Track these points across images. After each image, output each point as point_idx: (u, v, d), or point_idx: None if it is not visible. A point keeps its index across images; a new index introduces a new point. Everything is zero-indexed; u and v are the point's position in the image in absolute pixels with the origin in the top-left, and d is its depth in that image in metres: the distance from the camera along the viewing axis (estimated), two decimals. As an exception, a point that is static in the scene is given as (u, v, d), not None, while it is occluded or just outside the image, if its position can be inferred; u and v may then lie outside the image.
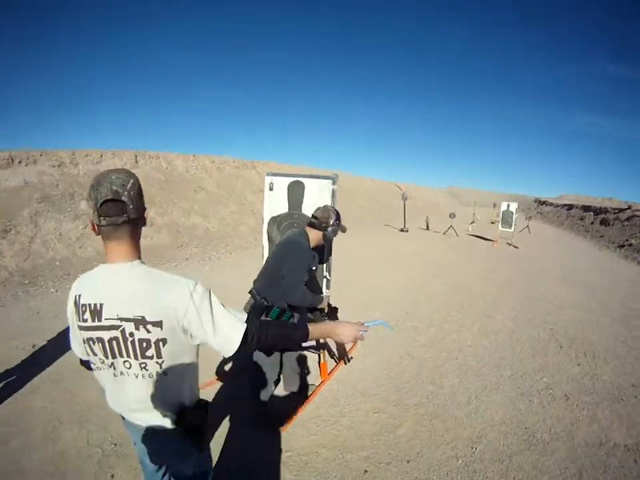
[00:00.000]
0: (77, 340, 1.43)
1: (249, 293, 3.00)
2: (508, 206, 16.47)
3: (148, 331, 1.24)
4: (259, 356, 3.09)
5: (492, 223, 22.10)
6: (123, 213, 1.22)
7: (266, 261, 3.17)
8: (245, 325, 1.32)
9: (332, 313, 3.69)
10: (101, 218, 1.21)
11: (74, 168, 10.42)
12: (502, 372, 4.25)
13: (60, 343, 4.26)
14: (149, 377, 1.32)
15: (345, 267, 9.07)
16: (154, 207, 11.15)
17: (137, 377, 1.32)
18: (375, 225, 19.10)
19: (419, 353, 4.61)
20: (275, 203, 3.98)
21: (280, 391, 3.63)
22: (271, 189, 4.03)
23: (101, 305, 1.26)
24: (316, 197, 3.67)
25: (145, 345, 1.26)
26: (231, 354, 1.33)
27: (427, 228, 18.82)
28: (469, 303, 6.71)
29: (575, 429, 3.38)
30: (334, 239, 3.18)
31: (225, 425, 3.21)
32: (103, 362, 1.33)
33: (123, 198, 1.22)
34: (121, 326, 1.25)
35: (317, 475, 2.71)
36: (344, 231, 3.23)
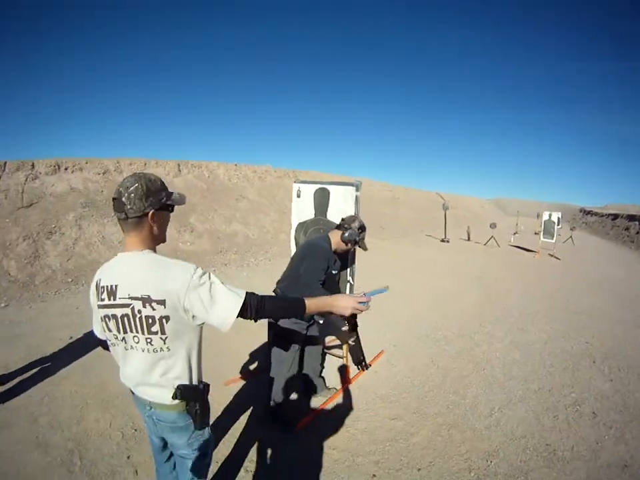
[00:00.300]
0: (97, 321, 1.63)
1: (273, 292, 3.10)
2: (550, 215, 15.71)
3: (153, 309, 1.42)
4: (274, 353, 3.16)
5: (535, 233, 21.24)
6: (121, 211, 1.45)
7: (289, 262, 3.26)
8: (243, 299, 1.45)
9: (352, 318, 3.66)
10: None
11: (118, 175, 11.03)
12: (529, 385, 4.10)
13: (95, 336, 4.47)
14: (154, 351, 1.49)
15: (381, 276, 9.08)
16: (195, 214, 11.59)
17: (143, 351, 1.50)
18: (417, 235, 18.93)
19: (445, 363, 4.53)
20: (302, 209, 4.10)
21: (299, 391, 3.69)
22: (298, 196, 4.17)
23: (116, 285, 1.47)
24: (340, 203, 3.74)
25: (150, 321, 1.44)
26: (229, 326, 1.45)
27: (468, 238, 18.40)
28: (504, 315, 6.53)
29: (600, 448, 3.18)
30: (361, 247, 3.31)
31: (242, 421, 3.30)
32: (116, 337, 1.53)
33: (123, 199, 1.44)
34: (131, 304, 1.44)
35: (324, 475, 2.73)
36: (365, 248, 3.35)
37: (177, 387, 1.53)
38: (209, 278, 1.46)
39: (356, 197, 3.56)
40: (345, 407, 3.55)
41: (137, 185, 1.45)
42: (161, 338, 1.46)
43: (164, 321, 1.43)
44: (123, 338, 1.51)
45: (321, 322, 4.08)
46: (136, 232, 1.49)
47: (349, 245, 3.11)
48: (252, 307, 1.48)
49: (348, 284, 3.80)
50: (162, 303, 1.41)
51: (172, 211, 1.62)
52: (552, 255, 14.76)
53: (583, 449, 3.14)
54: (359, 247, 3.28)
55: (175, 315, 1.43)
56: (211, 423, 3.00)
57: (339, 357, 4.23)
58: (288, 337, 3.04)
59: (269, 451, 2.94)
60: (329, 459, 2.88)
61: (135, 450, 2.91)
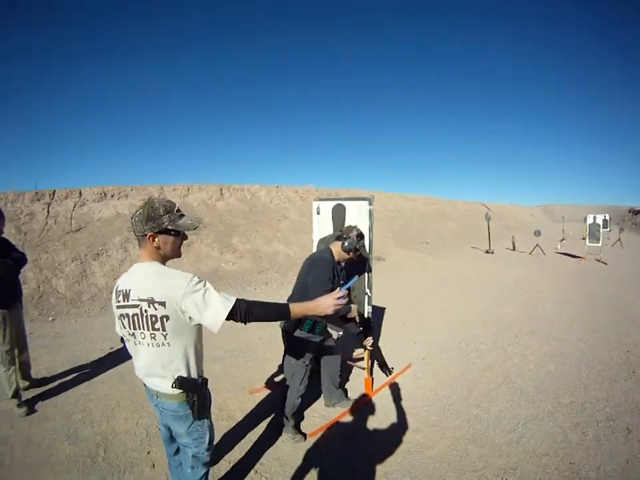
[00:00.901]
0: (116, 321, 1.95)
1: None
2: (594, 218, 14.88)
3: (155, 309, 1.72)
4: (285, 365, 3.31)
5: (582, 238, 20.01)
6: (132, 231, 1.87)
7: (297, 277, 3.41)
8: (232, 303, 1.73)
9: (365, 323, 3.76)
10: None
11: (162, 201, 11.73)
12: (560, 399, 3.91)
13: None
14: (157, 345, 1.79)
15: (417, 292, 9.10)
16: (237, 235, 12.05)
17: (148, 345, 1.80)
18: (462, 248, 18.52)
19: (474, 376, 4.43)
20: (322, 226, 4.30)
21: (317, 401, 3.83)
22: (318, 213, 4.39)
23: (129, 290, 1.80)
24: (356, 217, 3.91)
25: (153, 319, 1.74)
26: (218, 327, 1.71)
27: (514, 248, 17.74)
28: (541, 325, 6.27)
29: (630, 467, 2.95)
30: (362, 254, 3.53)
31: (262, 427, 3.46)
32: (129, 333, 1.85)
33: (132, 221, 1.84)
34: (140, 305, 1.75)
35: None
36: (366, 255, 3.62)
37: (177, 377, 1.81)
38: (204, 285, 1.74)
39: (369, 210, 3.70)
40: (363, 419, 3.58)
41: (141, 210, 1.81)
42: (162, 334, 1.75)
43: (164, 319, 1.72)
44: (133, 334, 1.82)
45: (341, 333, 4.19)
46: (143, 248, 1.85)
47: (350, 253, 3.23)
48: (241, 311, 1.74)
49: (366, 296, 3.91)
50: (162, 304, 1.70)
51: (177, 234, 1.88)
52: (599, 260, 14.00)
53: (610, 469, 2.93)
54: (360, 253, 3.42)
55: (173, 315, 1.72)
56: (232, 427, 3.24)
57: (362, 368, 4.29)
58: (299, 350, 3.17)
59: (280, 457, 3.04)
60: (337, 467, 2.93)
61: (156, 447, 3.13)
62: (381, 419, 3.58)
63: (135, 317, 1.78)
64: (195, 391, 1.87)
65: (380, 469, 2.91)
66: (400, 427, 3.44)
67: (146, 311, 1.74)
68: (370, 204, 3.70)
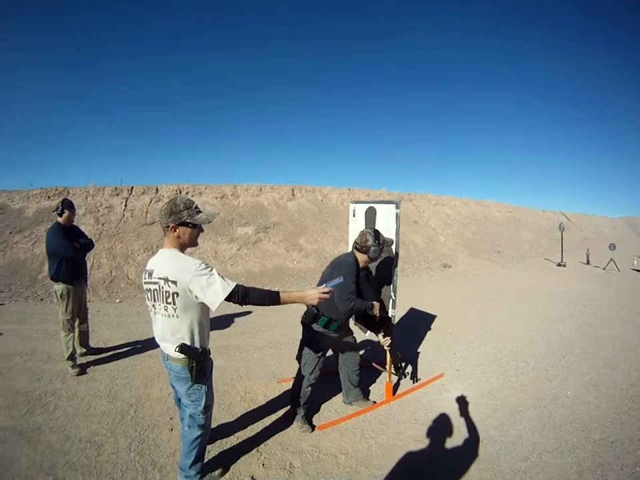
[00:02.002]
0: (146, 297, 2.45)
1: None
2: None
3: (169, 286, 2.19)
4: (302, 357, 3.57)
5: None
6: (159, 222, 2.37)
7: (322, 274, 3.69)
8: (232, 287, 2.16)
9: (386, 322, 3.91)
10: None
11: (235, 199, 12.65)
12: (590, 433, 3.57)
13: None
14: (168, 316, 2.26)
15: (479, 299, 8.92)
16: (305, 235, 12.57)
17: (162, 316, 2.29)
18: (534, 258, 17.47)
19: (504, 395, 4.26)
20: (357, 228, 4.48)
21: (336, 397, 4.04)
22: (353, 215, 4.67)
23: (153, 270, 2.31)
24: (384, 220, 4.11)
25: (167, 294, 2.21)
26: (217, 306, 2.16)
27: (587, 262, 16.29)
28: (594, 348, 5.79)
29: None
30: (389, 249, 3.81)
31: (279, 413, 3.74)
32: (151, 305, 2.35)
33: (159, 214, 2.34)
34: (158, 282, 2.24)
35: (320, 473, 2.94)
36: (389, 245, 3.74)
37: (180, 344, 2.27)
38: (210, 271, 2.18)
39: (396, 214, 3.86)
40: (374, 420, 3.67)
41: (166, 206, 2.30)
42: (173, 308, 2.22)
43: (175, 295, 2.18)
44: (153, 305, 2.32)
45: (367, 334, 4.36)
46: (166, 237, 2.35)
47: (379, 255, 3.52)
48: (239, 295, 2.17)
49: (391, 300, 4.04)
50: (175, 283, 2.17)
51: (195, 227, 2.35)
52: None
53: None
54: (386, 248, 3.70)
55: (182, 292, 2.17)
56: (251, 409, 3.70)
57: (383, 370, 4.43)
58: (313, 343, 3.46)
59: (283, 442, 3.29)
60: (333, 461, 3.07)
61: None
62: (392, 424, 3.63)
63: (155, 292, 2.27)
64: (194, 358, 2.30)
65: (372, 471, 2.98)
66: (407, 435, 3.46)
67: (162, 287, 2.22)
68: (397, 207, 3.87)
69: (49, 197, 10.63)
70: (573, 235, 24.72)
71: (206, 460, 2.84)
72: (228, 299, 2.15)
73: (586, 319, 7.43)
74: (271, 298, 2.28)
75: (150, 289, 2.30)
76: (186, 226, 2.29)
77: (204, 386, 2.43)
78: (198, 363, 2.32)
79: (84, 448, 3.06)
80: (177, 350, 2.27)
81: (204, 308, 2.32)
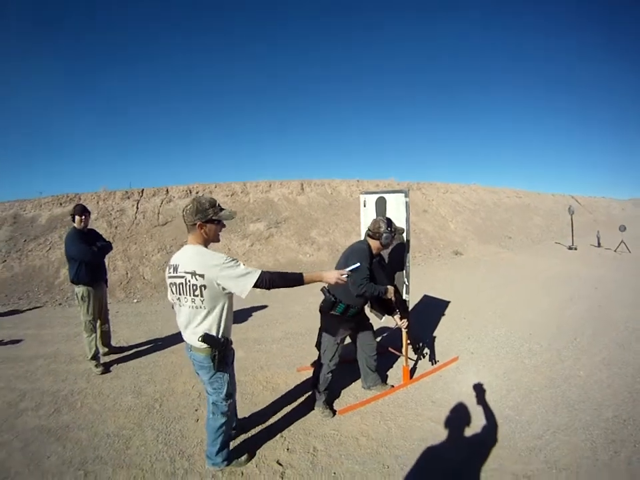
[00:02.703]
0: (168, 289, 2.55)
1: (321, 290, 3.57)
2: None
3: (196, 279, 2.30)
4: (321, 343, 3.61)
5: None
6: (185, 221, 2.44)
7: (337, 263, 3.71)
8: (258, 274, 2.29)
9: (401, 305, 3.99)
10: None
11: (245, 196, 12.69)
12: (602, 411, 3.59)
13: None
14: (195, 308, 2.37)
15: (491, 285, 8.91)
16: (316, 228, 12.56)
17: (188, 308, 2.39)
18: (545, 243, 17.24)
19: (517, 376, 4.30)
20: (368, 218, 4.51)
21: (355, 382, 4.08)
22: (364, 206, 4.69)
23: (177, 264, 2.41)
24: (394, 209, 4.14)
25: (194, 287, 2.31)
26: (246, 293, 2.28)
27: (599, 244, 16.03)
28: (606, 329, 5.78)
29: None
30: (400, 235, 3.82)
31: (299, 400, 3.79)
32: (176, 298, 2.45)
33: (183, 213, 2.44)
34: (185, 276, 2.34)
35: (343, 455, 3.00)
36: (401, 234, 3.79)
37: (204, 334, 2.37)
38: (235, 262, 2.30)
39: (405, 202, 3.89)
40: (393, 403, 3.74)
41: (190, 205, 2.40)
42: (200, 300, 2.33)
43: (202, 288, 2.29)
44: (179, 298, 2.42)
45: (382, 320, 4.37)
46: (191, 234, 2.44)
47: (391, 242, 3.57)
48: (265, 280, 2.31)
49: (404, 285, 4.09)
50: (202, 276, 2.28)
51: (219, 223, 2.48)
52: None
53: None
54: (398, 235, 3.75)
55: (210, 285, 2.29)
56: (274, 398, 3.71)
57: (400, 355, 4.45)
58: (332, 329, 3.50)
59: (305, 427, 3.35)
60: (354, 443, 3.14)
61: (204, 406, 3.55)
62: (410, 406, 3.69)
63: (181, 285, 2.37)
64: (216, 347, 2.41)
65: (392, 451, 3.04)
66: (425, 416, 3.52)
67: (189, 280, 2.32)
68: (406, 196, 3.89)
69: (61, 204, 10.75)
70: (583, 218, 24.31)
71: (232, 447, 2.90)
72: (255, 285, 2.28)
73: (597, 301, 7.37)
74: (295, 279, 2.43)
75: (175, 283, 2.40)
76: (212, 223, 2.42)
77: (226, 374, 2.54)
78: (220, 352, 2.42)
79: (112, 442, 3.13)
80: (199, 339, 2.37)
81: (229, 300, 2.44)
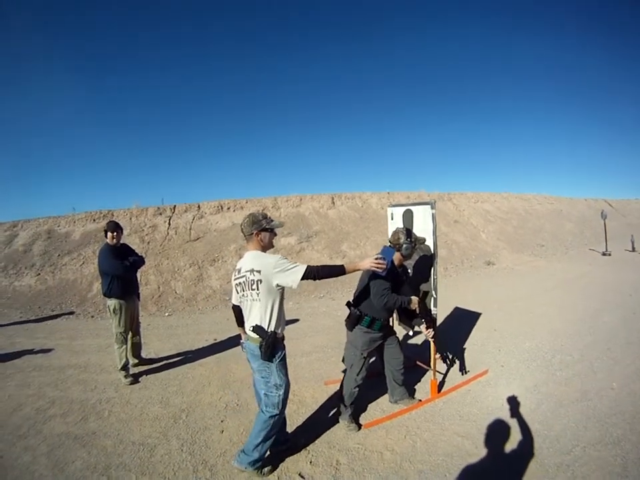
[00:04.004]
0: (233, 292, 2.97)
1: (346, 304, 3.67)
2: None
3: (254, 275, 2.67)
4: (345, 358, 3.64)
5: None
6: (243, 232, 2.86)
7: (359, 279, 3.74)
8: (305, 268, 2.61)
9: (427, 315, 3.94)
10: None
11: (276, 211, 12.81)
12: (635, 425, 3.44)
13: (234, 340, 5.59)
14: (253, 300, 2.72)
15: (523, 295, 8.67)
16: (347, 241, 12.55)
17: (250, 301, 2.75)
18: (578, 249, 16.68)
19: (548, 389, 4.16)
20: (401, 227, 4.43)
21: (382, 396, 4.01)
22: (392, 219, 4.69)
23: (241, 267, 2.81)
24: (421, 221, 4.14)
25: (252, 282, 2.69)
26: (297, 283, 2.59)
27: (633, 249, 15.27)
28: (639, 339, 5.53)
29: None
30: (422, 246, 3.78)
31: (326, 413, 3.78)
32: (242, 296, 2.81)
33: (242, 226, 2.87)
34: (246, 274, 2.73)
35: (366, 469, 2.96)
36: (423, 243, 3.72)
37: (255, 324, 2.72)
38: (287, 260, 2.67)
39: (432, 214, 3.89)
40: (420, 418, 3.67)
41: (247, 219, 2.83)
42: (257, 293, 2.68)
43: (259, 282, 2.65)
44: (243, 294, 2.79)
45: (411, 334, 4.28)
46: (249, 242, 2.84)
47: (412, 253, 3.57)
48: (312, 272, 2.62)
49: (432, 298, 4.04)
50: (259, 272, 2.65)
51: (272, 231, 2.87)
52: None
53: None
54: (420, 247, 3.78)
55: (264, 279, 2.64)
56: (300, 410, 3.88)
57: (428, 368, 4.34)
58: (358, 343, 3.48)
59: (330, 440, 3.31)
60: (378, 457, 3.10)
61: (230, 417, 3.68)
62: (437, 420, 3.62)
63: (244, 283, 2.74)
64: (264, 338, 2.67)
65: (417, 466, 2.98)
66: (451, 431, 3.44)
67: (249, 277, 2.69)
68: (432, 208, 3.89)
69: (94, 220, 11.16)
70: (617, 222, 23.35)
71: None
72: (304, 277, 2.59)
73: (631, 309, 7.08)
74: (338, 270, 2.72)
75: (240, 283, 2.78)
76: (266, 231, 2.82)
77: (272, 365, 2.75)
78: (267, 343, 2.66)
79: (137, 450, 3.16)
80: (250, 329, 2.73)
81: (280, 297, 2.75)
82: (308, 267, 2.63)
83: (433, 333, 3.76)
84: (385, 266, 2.78)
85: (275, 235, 2.93)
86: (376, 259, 2.76)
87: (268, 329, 2.70)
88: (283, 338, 2.85)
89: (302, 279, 2.59)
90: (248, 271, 2.70)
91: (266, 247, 2.86)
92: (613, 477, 2.82)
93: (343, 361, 3.67)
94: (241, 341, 3.02)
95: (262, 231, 2.80)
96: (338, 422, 3.52)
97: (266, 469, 2.86)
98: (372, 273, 3.28)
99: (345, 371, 3.60)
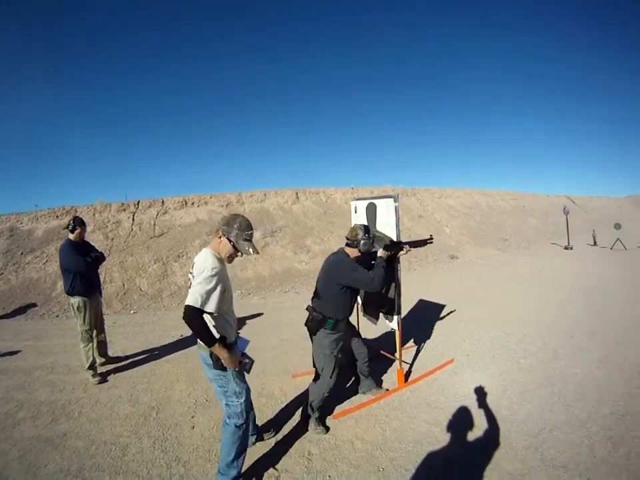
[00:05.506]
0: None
1: (306, 309, 3.59)
2: None
3: (191, 277, 2.47)
4: (316, 357, 3.53)
5: None
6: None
7: (317, 281, 3.62)
8: (194, 305, 2.30)
9: (394, 246, 3.82)
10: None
11: (240, 206, 12.78)
12: (600, 408, 3.60)
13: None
14: None
15: (487, 287, 9.02)
16: (311, 236, 12.64)
17: None
18: (541, 244, 17.52)
19: (513, 376, 4.31)
20: (359, 223, 4.51)
21: (350, 387, 4.11)
22: (355, 212, 4.73)
23: (194, 263, 2.52)
24: (384, 214, 4.15)
25: (190, 284, 2.47)
26: (184, 305, 2.33)
27: (594, 243, 16.28)
28: (603, 327, 5.83)
29: None
30: (379, 243, 3.77)
31: (296, 405, 3.81)
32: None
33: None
34: (189, 275, 2.51)
35: (338, 459, 3.02)
36: (387, 241, 3.76)
37: None
38: (209, 280, 2.34)
39: (395, 207, 3.91)
40: (388, 407, 3.76)
41: (228, 216, 2.60)
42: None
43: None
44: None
45: (377, 324, 4.41)
46: (214, 238, 2.61)
47: (370, 248, 3.48)
48: (189, 317, 2.30)
49: (396, 306, 4.00)
50: (192, 275, 2.47)
51: (235, 248, 2.54)
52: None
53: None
54: (377, 245, 3.71)
55: None
56: (268, 403, 3.88)
57: (393, 359, 4.48)
58: (325, 345, 3.40)
59: (300, 432, 3.37)
60: (349, 447, 3.16)
61: (200, 413, 3.71)
62: (405, 409, 3.71)
63: (190, 282, 2.46)
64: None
65: (388, 454, 3.05)
66: (420, 419, 3.53)
67: (190, 279, 2.47)
68: (395, 201, 3.92)
69: (57, 217, 10.83)
70: (579, 218, 24.65)
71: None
72: (185, 308, 2.30)
73: (594, 299, 7.47)
74: (206, 341, 2.37)
75: (189, 279, 2.50)
76: (228, 242, 2.51)
77: (228, 372, 2.53)
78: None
79: (109, 450, 3.15)
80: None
81: (220, 302, 2.41)
82: (192, 309, 2.28)
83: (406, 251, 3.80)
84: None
85: (236, 254, 2.59)
86: (240, 362, 2.57)
87: (216, 335, 2.46)
88: (233, 343, 2.62)
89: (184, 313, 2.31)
90: (191, 273, 2.49)
91: (221, 253, 2.55)
92: (581, 457, 2.93)
93: (314, 366, 3.58)
94: None
95: (226, 238, 2.51)
96: (305, 426, 3.45)
97: None
98: (346, 275, 3.26)
99: (316, 376, 3.51)
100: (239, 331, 2.86)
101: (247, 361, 2.62)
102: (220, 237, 2.52)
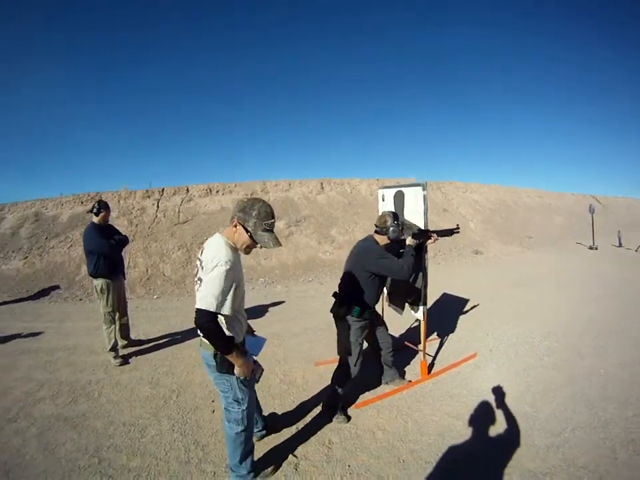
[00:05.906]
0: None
1: (332, 295, 3.47)
2: None
3: (199, 265, 2.12)
4: (340, 344, 3.42)
5: None
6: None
7: (344, 267, 3.49)
8: (204, 308, 1.97)
9: (422, 235, 3.70)
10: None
11: (265, 195, 12.69)
12: (623, 410, 3.45)
13: None
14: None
15: (511, 283, 8.77)
16: (336, 227, 12.49)
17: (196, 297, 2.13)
18: (566, 242, 16.97)
19: (537, 373, 4.18)
20: (388, 211, 4.37)
21: (373, 377, 3.94)
22: (383, 200, 4.58)
23: (203, 249, 2.19)
24: (412, 202, 4.02)
25: (196, 274, 2.15)
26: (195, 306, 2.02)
27: (620, 244, 15.62)
28: (627, 329, 5.57)
29: None
30: (409, 229, 3.69)
31: (317, 394, 3.73)
32: (194, 281, 2.21)
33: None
34: (198, 263, 2.16)
35: (358, 448, 2.93)
36: (412, 228, 3.65)
37: None
38: (222, 275, 1.99)
39: (423, 195, 3.79)
40: (410, 398, 3.66)
41: (245, 200, 2.20)
42: (198, 288, 2.07)
43: (200, 280, 2.06)
44: (194, 281, 2.18)
45: (402, 315, 4.25)
46: (229, 225, 2.23)
47: (399, 236, 3.33)
48: (200, 319, 1.98)
49: (422, 296, 3.89)
50: (201, 264, 2.10)
51: (251, 238, 2.16)
52: None
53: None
54: (405, 233, 3.51)
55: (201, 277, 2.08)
56: (291, 391, 3.78)
57: (418, 350, 4.35)
58: (350, 333, 3.30)
59: (321, 420, 3.27)
60: (370, 436, 3.08)
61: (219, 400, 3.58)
62: (427, 401, 3.61)
63: (197, 270, 2.11)
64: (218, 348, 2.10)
65: (408, 445, 2.96)
66: (442, 411, 3.44)
67: (198, 268, 2.10)
68: (424, 189, 3.79)
69: (82, 203, 10.96)
70: (605, 218, 23.72)
71: (263, 453, 2.81)
72: (197, 318, 1.99)
73: (618, 300, 7.16)
74: (222, 346, 2.06)
75: (196, 265, 2.15)
76: (245, 230, 2.13)
77: (232, 377, 2.23)
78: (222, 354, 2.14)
79: (128, 431, 3.11)
80: (201, 335, 2.12)
81: (234, 301, 2.12)
82: (206, 312, 1.96)
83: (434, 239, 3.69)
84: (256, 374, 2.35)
85: (254, 246, 2.21)
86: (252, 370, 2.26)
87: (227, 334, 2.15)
88: (241, 344, 2.32)
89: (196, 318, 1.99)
90: (200, 260, 2.12)
91: (236, 244, 2.18)
92: (602, 459, 2.82)
93: (338, 353, 3.44)
94: None
95: (243, 226, 2.14)
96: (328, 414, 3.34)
97: (269, 469, 2.63)
98: (375, 262, 3.14)
99: (339, 364, 3.41)
100: (254, 330, 2.65)
101: (258, 369, 2.35)
102: (235, 225, 2.14)
